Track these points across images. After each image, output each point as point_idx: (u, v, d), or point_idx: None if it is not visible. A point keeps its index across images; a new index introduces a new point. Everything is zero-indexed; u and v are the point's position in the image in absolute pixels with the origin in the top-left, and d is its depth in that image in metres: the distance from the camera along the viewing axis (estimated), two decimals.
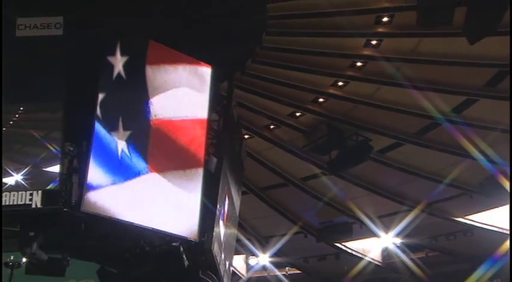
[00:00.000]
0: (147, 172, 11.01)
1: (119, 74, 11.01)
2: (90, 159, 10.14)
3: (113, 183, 10.53)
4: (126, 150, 10.78)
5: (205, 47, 12.52)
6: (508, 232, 20.62)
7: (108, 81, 10.89)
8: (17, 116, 10.41)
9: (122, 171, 10.73)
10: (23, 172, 9.92)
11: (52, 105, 10.48)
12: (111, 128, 10.69)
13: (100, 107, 10.54)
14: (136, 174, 10.88)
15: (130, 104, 11.18)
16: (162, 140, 11.48)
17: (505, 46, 13.86)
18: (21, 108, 10.44)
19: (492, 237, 20.96)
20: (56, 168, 9.99)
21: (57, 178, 9.97)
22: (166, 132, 11.55)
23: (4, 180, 9.92)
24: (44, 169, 9.98)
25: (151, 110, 11.29)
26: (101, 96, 10.59)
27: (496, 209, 20.30)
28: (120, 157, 10.74)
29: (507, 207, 19.65)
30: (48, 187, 9.89)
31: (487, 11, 12.43)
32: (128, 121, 10.89)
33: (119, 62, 11.04)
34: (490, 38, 12.99)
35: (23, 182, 9.84)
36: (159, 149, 11.40)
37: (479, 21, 12.61)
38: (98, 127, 10.52)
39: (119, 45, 11.07)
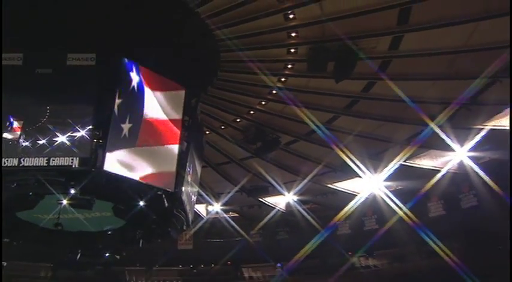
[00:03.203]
0: (135, 146, 10.87)
1: (133, 87, 10.98)
2: (107, 141, 10.14)
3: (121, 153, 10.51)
4: (127, 134, 10.70)
5: (183, 76, 12.35)
6: (354, 193, 21.65)
7: (126, 92, 10.79)
8: (46, 115, 10.14)
9: (123, 145, 10.64)
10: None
11: (83, 107, 10.28)
12: (122, 121, 10.63)
13: (118, 108, 10.46)
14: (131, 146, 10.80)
15: (134, 108, 11.05)
16: (148, 129, 11.29)
17: (355, 85, 14.49)
18: (48, 108, 10.17)
19: (346, 196, 21.69)
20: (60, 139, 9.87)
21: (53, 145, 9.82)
22: (152, 125, 11.43)
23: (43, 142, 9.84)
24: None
25: (144, 112, 11.19)
26: (118, 101, 10.49)
27: (348, 180, 20.93)
28: (124, 138, 10.65)
29: (355, 179, 20.43)
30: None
31: (346, 64, 12.73)
32: (131, 118, 10.83)
33: (135, 79, 11.04)
34: (347, 80, 13.48)
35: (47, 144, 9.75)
36: (146, 134, 11.19)
37: (341, 70, 13.01)
38: (115, 121, 10.42)
39: (137, 67, 11.11)
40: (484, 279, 17.05)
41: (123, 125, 10.56)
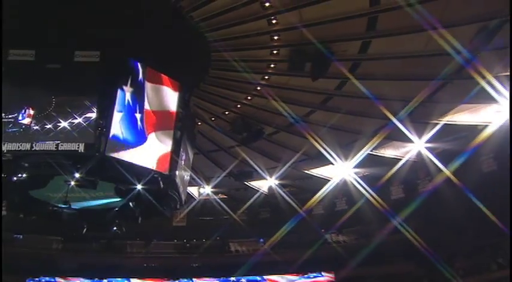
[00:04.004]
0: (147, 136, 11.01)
1: (137, 82, 11.01)
2: (110, 128, 10.19)
3: (132, 142, 10.62)
4: (139, 123, 10.82)
5: (178, 73, 12.32)
6: (327, 178, 21.50)
7: (135, 81, 10.88)
8: (52, 105, 10.20)
9: (139, 135, 10.82)
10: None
11: (84, 98, 10.26)
12: (136, 111, 10.77)
13: (130, 95, 10.61)
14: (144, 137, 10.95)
15: (142, 98, 11.08)
16: (150, 119, 11.30)
17: (329, 83, 14.47)
18: (53, 99, 10.22)
19: (320, 181, 21.64)
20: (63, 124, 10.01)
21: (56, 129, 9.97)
22: (152, 115, 11.43)
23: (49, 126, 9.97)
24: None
25: (146, 103, 11.19)
26: (131, 89, 10.64)
27: (323, 166, 20.83)
28: (139, 127, 10.80)
29: (328, 166, 20.28)
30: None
31: (321, 65, 12.83)
32: (140, 108, 10.90)
33: (141, 71, 11.08)
34: (322, 79, 13.53)
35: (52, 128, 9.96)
36: (148, 124, 11.24)
37: (317, 70, 13.02)
38: (126, 109, 10.50)
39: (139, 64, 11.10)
40: (436, 249, 17.62)
41: (136, 114, 10.71)
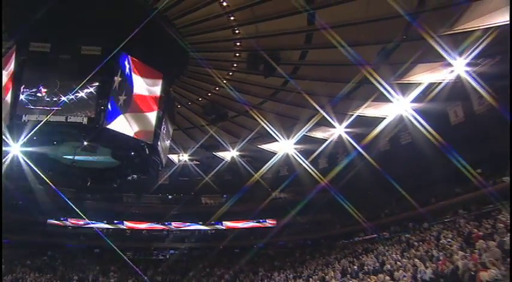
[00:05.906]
0: (128, 112, 11.04)
1: (127, 71, 10.96)
2: (107, 108, 10.27)
3: (117, 116, 10.67)
4: (122, 103, 10.79)
5: (161, 66, 12.23)
6: (274, 151, 21.69)
7: (123, 74, 10.77)
8: (57, 86, 10.24)
9: (120, 111, 10.76)
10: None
11: (87, 83, 10.20)
12: (119, 94, 10.68)
13: (118, 85, 10.59)
14: (125, 112, 10.93)
15: (127, 85, 11.04)
16: (137, 101, 11.32)
17: (277, 80, 14.69)
18: (58, 82, 10.24)
19: (269, 154, 21.82)
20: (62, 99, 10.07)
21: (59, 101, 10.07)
22: (139, 98, 11.45)
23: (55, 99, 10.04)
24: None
25: (133, 89, 11.18)
26: (118, 79, 10.62)
27: (271, 143, 21.01)
28: (119, 106, 10.74)
29: (275, 142, 20.26)
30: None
31: (270, 67, 12.97)
32: (125, 92, 10.89)
33: (128, 66, 11.00)
34: (272, 77, 13.72)
35: (57, 100, 10.12)
36: (135, 104, 11.25)
37: (267, 70, 13.15)
38: (113, 93, 10.48)
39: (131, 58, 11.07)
40: (348, 202, 19.12)
41: (120, 97, 10.67)
